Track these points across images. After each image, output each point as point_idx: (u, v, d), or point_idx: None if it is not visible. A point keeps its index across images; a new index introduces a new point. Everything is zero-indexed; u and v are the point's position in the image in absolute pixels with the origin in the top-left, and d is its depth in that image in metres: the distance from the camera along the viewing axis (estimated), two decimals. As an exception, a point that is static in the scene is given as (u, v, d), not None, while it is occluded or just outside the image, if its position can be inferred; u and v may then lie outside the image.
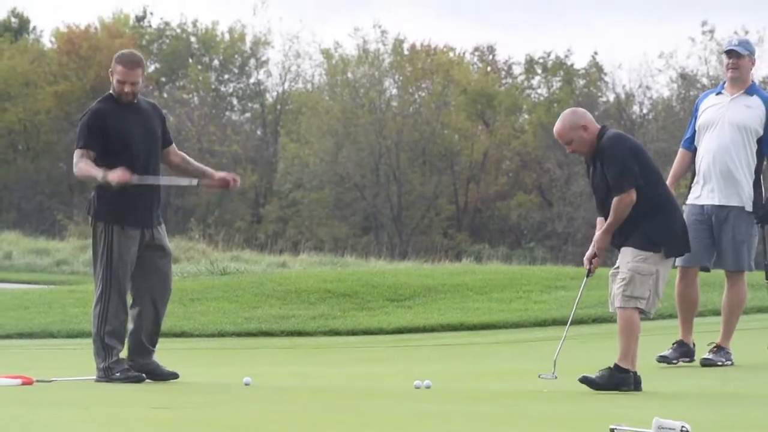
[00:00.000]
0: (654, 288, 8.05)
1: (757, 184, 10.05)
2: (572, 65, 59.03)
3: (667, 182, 10.22)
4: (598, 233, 8.19)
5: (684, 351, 10.02)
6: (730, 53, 10.16)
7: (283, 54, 61.01)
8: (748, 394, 8.39)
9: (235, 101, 64.39)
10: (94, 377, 8.99)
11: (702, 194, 10.11)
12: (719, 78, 53.99)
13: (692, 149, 10.27)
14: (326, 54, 59.63)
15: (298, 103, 60.07)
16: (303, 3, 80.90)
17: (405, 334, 15.82)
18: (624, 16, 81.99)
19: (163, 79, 63.09)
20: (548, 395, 8.17)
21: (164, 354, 14.08)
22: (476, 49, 61.42)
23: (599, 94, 58.18)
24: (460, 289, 18.72)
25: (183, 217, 54.79)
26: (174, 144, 9.34)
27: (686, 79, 54.18)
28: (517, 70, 60.99)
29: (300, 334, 16.09)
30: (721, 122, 10.03)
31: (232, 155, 56.86)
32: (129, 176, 8.75)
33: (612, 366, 8.12)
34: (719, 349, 10.06)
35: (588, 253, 8.28)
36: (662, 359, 9.88)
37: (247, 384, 8.84)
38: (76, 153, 8.97)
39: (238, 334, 16.15)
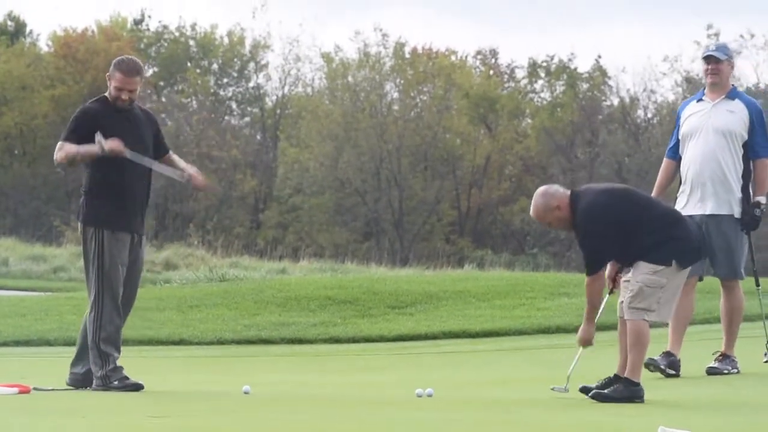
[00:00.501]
0: (664, 299, 8.06)
1: (744, 190, 10.01)
2: (576, 69, 59.08)
3: (654, 192, 10.27)
4: (582, 326, 8.25)
5: (671, 362, 9.94)
6: (708, 59, 10.15)
7: (283, 57, 61.09)
8: (753, 402, 8.39)
9: (234, 105, 64.43)
10: (92, 385, 9.00)
11: (689, 203, 10.08)
12: (724, 82, 54.11)
13: (677, 158, 10.24)
14: (326, 57, 59.69)
15: (298, 107, 60.11)
16: (303, 6, 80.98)
17: (406, 342, 15.82)
18: (628, 19, 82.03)
19: (162, 83, 63.13)
20: (552, 403, 8.17)
21: (163, 361, 14.10)
22: (478, 52, 61.50)
23: (603, 98, 58.20)
24: (462, 296, 18.73)
25: (182, 223, 54.81)
26: (171, 152, 9.32)
27: (691, 83, 54.19)
28: (520, 73, 61.07)
29: (300, 341, 16.10)
30: (705, 129, 10.01)
31: (232, 160, 56.89)
32: (122, 147, 8.82)
33: (620, 377, 8.12)
34: (725, 357, 10.05)
35: (608, 273, 8.32)
36: (651, 362, 9.82)
37: (246, 392, 8.84)
38: (59, 143, 9.07)
39: (238, 342, 16.16)
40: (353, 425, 6.86)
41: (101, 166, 8.92)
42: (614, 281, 8.37)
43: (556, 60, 59.38)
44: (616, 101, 57.34)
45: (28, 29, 64.85)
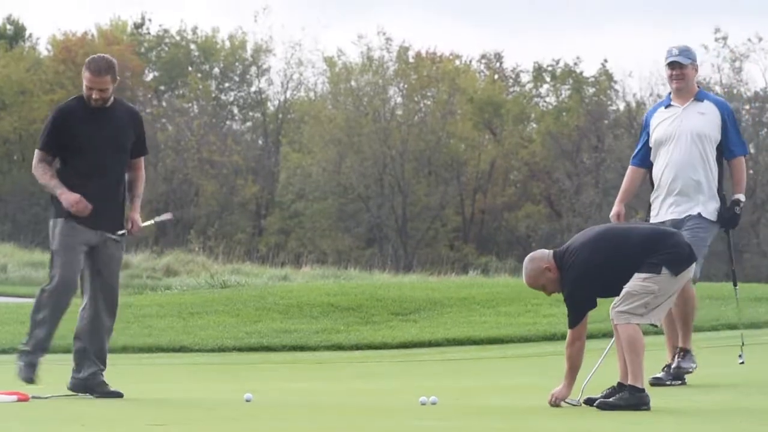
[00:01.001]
0: (653, 304, 8.09)
1: (720, 191, 10.02)
2: (581, 73, 59.10)
3: (617, 200, 10.28)
4: (560, 386, 8.31)
5: (676, 374, 9.97)
6: (672, 65, 10.10)
7: (285, 62, 61.19)
8: (759, 408, 8.38)
9: (235, 110, 64.48)
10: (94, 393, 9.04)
11: (661, 210, 10.08)
12: (732, 86, 54.10)
13: (644, 166, 10.21)
14: (329, 62, 59.74)
15: (301, 111, 60.15)
16: (305, 10, 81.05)
17: (410, 349, 15.82)
18: (635, 23, 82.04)
19: (162, 88, 63.20)
20: (557, 411, 8.16)
21: (164, 369, 14.10)
22: (483, 56, 61.53)
23: (609, 102, 58.22)
24: (466, 303, 18.73)
25: (182, 229, 54.83)
26: (143, 158, 9.34)
27: (699, 87, 54.17)
28: (525, 78, 61.10)
29: (302, 348, 16.09)
30: (678, 134, 9.98)
31: (233, 165, 56.94)
32: (84, 206, 8.84)
33: (624, 385, 8.13)
34: (685, 352, 9.98)
35: None
36: (655, 381, 9.78)
37: (248, 400, 8.84)
38: (36, 153, 9.12)
39: (239, 349, 16.16)
40: (356, 433, 6.85)
41: (71, 162, 8.99)
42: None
43: (561, 64, 59.43)
44: (622, 106, 57.36)
45: (27, 33, 64.94)
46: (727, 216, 9.94)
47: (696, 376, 10.07)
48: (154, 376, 13.05)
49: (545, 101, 61.16)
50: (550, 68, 59.69)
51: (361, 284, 22.86)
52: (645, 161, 10.23)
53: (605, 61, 65.53)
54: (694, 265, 8.29)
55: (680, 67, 10.08)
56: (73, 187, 8.94)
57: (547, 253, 8.33)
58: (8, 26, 64.17)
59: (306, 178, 55.83)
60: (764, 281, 32.69)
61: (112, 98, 9.06)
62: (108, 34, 61.35)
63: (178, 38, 63.79)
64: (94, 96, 8.94)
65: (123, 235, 9.22)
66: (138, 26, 64.87)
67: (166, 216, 9.75)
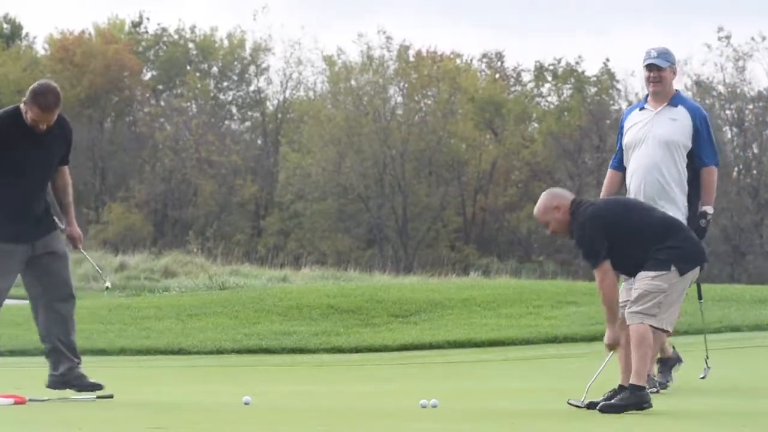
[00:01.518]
0: (666, 303, 8.12)
1: (689, 200, 9.85)
2: (583, 72, 59.11)
3: None
4: (606, 332, 8.40)
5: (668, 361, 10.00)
6: (650, 67, 9.92)
7: (285, 61, 61.16)
8: (761, 412, 8.39)
9: (234, 110, 64.48)
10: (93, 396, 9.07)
11: None
12: (736, 85, 54.10)
13: (622, 169, 10.10)
14: (329, 61, 59.74)
15: (300, 111, 60.15)
16: (305, 8, 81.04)
17: (410, 351, 15.82)
18: (637, 21, 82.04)
19: (160, 87, 63.20)
20: (558, 414, 8.17)
21: (162, 371, 14.10)
22: (484, 55, 61.53)
23: (611, 102, 58.23)
24: (467, 305, 18.72)
25: (180, 230, 54.83)
26: (67, 166, 9.31)
27: (702, 87, 54.20)
28: (527, 77, 61.10)
29: (301, 351, 16.09)
30: (647, 139, 9.84)
31: (232, 165, 56.94)
32: None
33: (624, 386, 8.16)
34: (662, 362, 9.97)
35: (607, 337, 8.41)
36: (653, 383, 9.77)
37: (246, 403, 8.84)
38: None
39: (238, 351, 16.16)
40: (356, 437, 6.86)
41: (1, 179, 8.93)
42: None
43: (563, 63, 59.43)
44: (624, 105, 57.32)
45: (24, 32, 64.94)
46: (694, 227, 9.53)
47: (708, 378, 10.04)
48: (152, 379, 13.05)
49: (547, 101, 61.19)
50: (551, 67, 59.71)
51: (361, 286, 22.86)
52: (622, 164, 10.12)
53: (607, 60, 65.65)
54: (698, 268, 8.28)
55: (658, 69, 9.88)
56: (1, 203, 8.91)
57: (567, 195, 8.45)
58: (5, 25, 64.18)
59: (305, 178, 55.84)
60: (768, 283, 32.63)
61: None
62: (105, 33, 61.36)
63: (176, 37, 63.80)
64: (40, 127, 8.88)
65: (61, 229, 9.20)
66: (136, 25, 64.88)
67: (107, 281, 9.71)
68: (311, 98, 61.52)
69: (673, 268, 8.11)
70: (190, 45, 63.90)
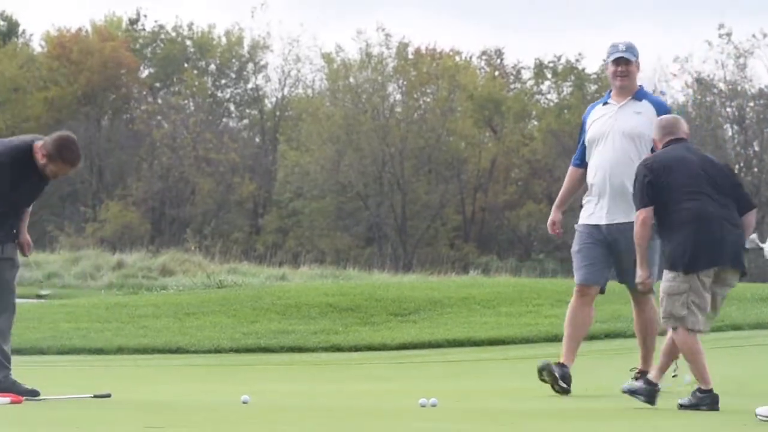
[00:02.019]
0: (691, 305, 8.17)
1: None
2: (583, 70, 59.10)
3: (554, 206, 10.15)
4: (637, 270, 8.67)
5: (564, 373, 9.70)
6: (618, 61, 9.82)
7: (283, 58, 61.15)
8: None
9: (232, 107, 64.48)
10: (91, 395, 9.06)
11: (595, 212, 9.85)
12: (737, 83, 54.09)
13: (583, 166, 10.01)
14: (327, 58, 59.72)
15: (298, 109, 60.14)
16: (303, 5, 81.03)
17: (410, 350, 15.81)
18: (637, 18, 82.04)
19: (158, 85, 63.19)
20: (559, 414, 8.16)
21: (159, 370, 14.09)
22: (483, 52, 61.51)
23: (612, 99, 58.13)
24: (467, 303, 18.72)
25: (178, 228, 54.83)
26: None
27: (702, 84, 54.18)
28: (526, 74, 61.08)
29: (300, 350, 16.08)
30: (612, 133, 9.73)
31: (230, 163, 56.93)
32: None
33: (696, 390, 8.30)
34: (643, 375, 9.57)
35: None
36: (545, 366, 9.69)
37: (245, 402, 8.83)
38: None
39: (236, 350, 16.15)
40: (355, 436, 6.85)
41: None
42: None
43: (563, 60, 59.42)
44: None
45: (20, 29, 64.92)
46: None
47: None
48: (150, 378, 13.05)
49: (546, 98, 61.17)
50: (551, 65, 59.70)
51: (360, 284, 22.86)
52: (584, 161, 10.02)
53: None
54: (712, 269, 8.26)
55: (626, 63, 9.81)
56: None
57: (670, 133, 8.64)
58: (1, 22, 64.16)
59: (304, 176, 55.83)
60: (769, 281, 32.66)
61: None
62: (102, 31, 61.34)
63: (173, 34, 63.78)
64: (56, 177, 9.06)
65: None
66: (133, 22, 64.86)
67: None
68: (310, 96, 61.52)
69: (681, 268, 8.18)
70: (188, 42, 63.88)
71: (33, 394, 9.06)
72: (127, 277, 35.63)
